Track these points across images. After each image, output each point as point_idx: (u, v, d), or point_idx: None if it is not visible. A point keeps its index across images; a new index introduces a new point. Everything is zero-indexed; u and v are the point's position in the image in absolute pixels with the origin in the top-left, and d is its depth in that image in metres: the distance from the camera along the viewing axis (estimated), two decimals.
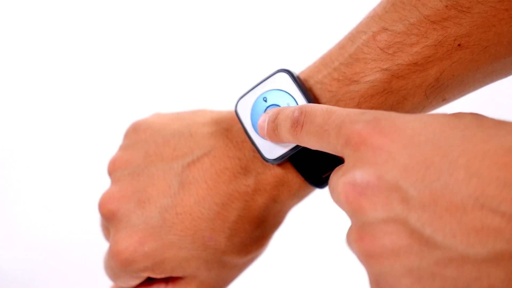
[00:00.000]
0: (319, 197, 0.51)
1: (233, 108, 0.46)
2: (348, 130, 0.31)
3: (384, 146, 0.30)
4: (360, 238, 0.30)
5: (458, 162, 0.28)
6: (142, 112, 0.53)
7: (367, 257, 0.30)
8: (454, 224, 0.27)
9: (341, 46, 0.42)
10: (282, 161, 0.42)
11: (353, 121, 0.31)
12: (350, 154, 0.31)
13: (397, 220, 0.29)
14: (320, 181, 0.43)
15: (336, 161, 0.42)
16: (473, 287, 0.28)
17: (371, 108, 0.40)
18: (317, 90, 0.41)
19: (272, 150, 0.41)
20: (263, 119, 0.40)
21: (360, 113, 0.32)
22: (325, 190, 0.45)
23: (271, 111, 0.40)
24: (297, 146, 0.41)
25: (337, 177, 0.32)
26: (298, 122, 0.35)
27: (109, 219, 0.44)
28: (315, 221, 0.83)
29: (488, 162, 0.27)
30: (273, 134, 0.39)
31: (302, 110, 0.35)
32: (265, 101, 0.42)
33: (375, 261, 0.29)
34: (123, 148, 0.46)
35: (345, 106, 0.40)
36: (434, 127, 0.30)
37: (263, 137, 0.41)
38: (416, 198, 0.28)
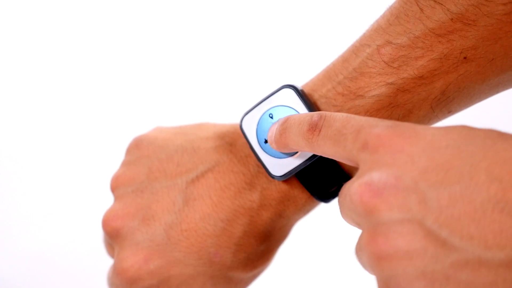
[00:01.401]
0: (323, 211, 0.50)
1: (235, 121, 0.45)
2: (366, 134, 0.31)
3: (403, 148, 0.29)
4: (372, 240, 0.29)
5: (479, 166, 0.28)
6: (144, 124, 0.52)
7: (379, 259, 0.29)
8: (473, 227, 0.27)
9: (344, 59, 0.41)
10: (288, 177, 0.41)
11: (372, 125, 0.31)
12: (367, 157, 0.30)
13: (412, 222, 0.28)
14: (326, 195, 0.42)
15: (342, 175, 0.41)
16: None
17: None
18: (322, 105, 0.41)
19: (279, 167, 0.41)
20: (274, 127, 0.39)
21: (379, 120, 0.32)
22: (329, 204, 0.45)
23: (280, 119, 0.39)
24: (304, 163, 0.40)
25: (351, 183, 0.31)
26: (317, 126, 0.35)
27: (113, 236, 0.44)
28: (320, 235, 0.83)
29: (509, 168, 0.27)
30: (279, 139, 0.38)
31: (321, 115, 0.35)
32: (271, 117, 0.41)
33: (387, 263, 0.29)
34: (126, 164, 0.46)
35: None
36: (454, 135, 0.29)
37: (270, 149, 0.41)
38: (434, 200, 0.28)
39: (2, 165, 0.88)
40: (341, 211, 0.32)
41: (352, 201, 0.30)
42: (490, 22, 0.37)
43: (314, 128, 0.35)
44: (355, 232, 0.31)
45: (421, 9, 0.38)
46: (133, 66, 0.96)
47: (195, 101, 0.94)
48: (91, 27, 0.97)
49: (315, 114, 0.35)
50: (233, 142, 0.44)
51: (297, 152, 0.40)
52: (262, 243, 0.44)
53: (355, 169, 0.42)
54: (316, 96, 0.41)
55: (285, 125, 0.38)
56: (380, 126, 0.31)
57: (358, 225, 0.31)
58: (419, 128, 0.30)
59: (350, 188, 0.30)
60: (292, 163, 0.41)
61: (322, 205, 0.45)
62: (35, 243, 0.82)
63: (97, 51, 0.96)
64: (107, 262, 0.48)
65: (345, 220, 0.33)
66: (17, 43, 0.94)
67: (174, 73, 0.96)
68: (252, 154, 0.43)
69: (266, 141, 0.41)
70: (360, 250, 0.30)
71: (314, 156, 0.40)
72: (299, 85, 0.42)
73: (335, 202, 0.45)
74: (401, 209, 0.28)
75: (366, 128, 0.31)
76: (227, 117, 0.51)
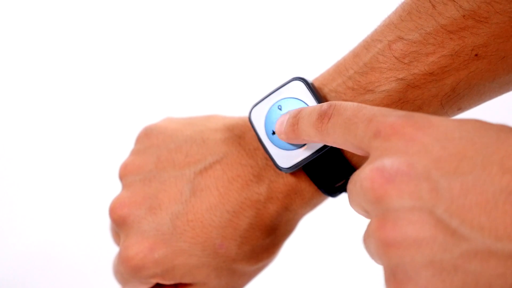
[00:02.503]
0: (330, 206, 0.50)
1: (245, 114, 0.45)
2: (379, 122, 0.31)
3: (417, 137, 0.29)
4: (381, 226, 0.29)
5: (493, 158, 0.28)
6: (154, 115, 0.52)
7: (387, 246, 0.29)
8: (484, 217, 0.27)
9: (355, 54, 0.41)
10: (295, 170, 0.41)
11: (385, 115, 0.31)
12: (379, 145, 0.30)
13: (423, 210, 0.28)
14: (333, 190, 0.42)
15: (350, 169, 0.41)
16: (495, 285, 0.27)
17: None
18: (332, 99, 0.41)
19: (286, 159, 0.41)
20: (283, 118, 0.39)
21: (392, 110, 0.32)
22: (336, 199, 0.45)
23: (292, 110, 0.39)
24: (312, 155, 0.41)
25: (362, 169, 0.31)
26: (326, 113, 0.34)
27: (120, 224, 0.44)
28: (325, 230, 0.83)
29: None
30: (291, 130, 0.38)
31: (331, 104, 0.35)
32: (280, 109, 0.41)
33: (395, 250, 0.28)
34: (135, 153, 0.46)
35: None
36: (468, 126, 0.29)
37: (277, 141, 0.41)
38: (446, 189, 0.28)
39: (7, 153, 0.89)
40: (349, 198, 0.32)
41: (363, 187, 0.30)
42: (502, 20, 0.37)
43: (323, 116, 0.35)
44: (360, 228, 0.31)
45: (433, 6, 0.38)
46: (144, 58, 0.97)
47: (206, 93, 0.94)
48: (97, 22, 0.98)
49: (325, 103, 0.35)
50: (242, 135, 0.44)
51: (305, 144, 0.41)
52: (267, 236, 0.44)
53: (363, 163, 0.42)
54: (326, 90, 0.42)
55: (298, 116, 0.38)
56: (393, 116, 0.31)
57: (367, 213, 0.31)
58: (433, 118, 0.30)
59: (361, 174, 0.30)
60: (300, 155, 0.41)
61: (329, 201, 0.45)
62: (40, 234, 0.83)
63: (107, 44, 0.97)
64: (112, 254, 0.48)
65: (353, 208, 0.32)
66: (19, 41, 0.95)
67: (185, 66, 0.96)
68: (261, 147, 0.43)
69: (274, 133, 0.41)
70: (368, 237, 0.30)
71: (322, 148, 0.40)
72: (309, 79, 0.42)
73: (341, 197, 0.45)
74: (412, 197, 0.28)
75: (379, 116, 0.31)
76: (237, 110, 0.51)
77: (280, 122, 0.40)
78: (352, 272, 0.80)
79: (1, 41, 0.95)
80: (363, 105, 0.33)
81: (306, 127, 0.36)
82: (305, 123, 0.36)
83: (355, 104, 0.33)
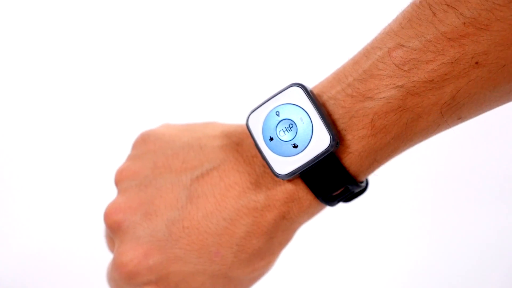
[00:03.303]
0: (327, 216, 0.50)
1: (244, 122, 0.45)
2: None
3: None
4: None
5: None
6: (151, 121, 0.52)
7: None
8: None
9: (355, 62, 0.41)
10: (293, 177, 0.41)
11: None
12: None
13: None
14: (331, 198, 0.42)
15: (348, 178, 0.41)
16: None
17: (386, 125, 0.39)
18: (330, 106, 0.41)
19: (284, 165, 0.41)
20: None
21: None
22: (335, 208, 0.44)
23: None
24: (309, 162, 0.40)
25: None
26: None
27: (115, 230, 0.43)
28: (321, 237, 0.82)
29: None
30: None
31: None
32: (278, 115, 0.41)
33: None
34: (131, 158, 0.46)
35: (359, 123, 0.40)
36: None
37: (275, 147, 0.40)
38: None
39: (4, 156, 0.88)
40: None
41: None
42: (503, 27, 0.36)
43: None
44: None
45: (434, 13, 0.38)
46: (142, 63, 0.96)
47: (204, 99, 0.94)
48: (96, 26, 0.98)
49: None
50: (240, 142, 0.44)
51: (303, 150, 0.40)
52: (264, 245, 0.43)
53: (361, 172, 0.41)
54: (324, 98, 0.41)
55: None
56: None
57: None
58: None
59: None
60: (298, 161, 0.40)
61: (327, 210, 0.44)
62: (31, 238, 0.82)
63: (105, 48, 0.97)
64: (107, 259, 0.47)
65: None
66: (20, 41, 0.95)
67: (184, 71, 0.96)
68: (259, 155, 0.43)
69: (271, 139, 0.41)
70: None
71: (320, 155, 0.40)
72: (308, 86, 0.42)
73: (340, 206, 0.44)
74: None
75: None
76: (235, 116, 0.51)
77: None
78: (348, 276, 0.79)
79: None
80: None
81: None
82: None
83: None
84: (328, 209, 0.44)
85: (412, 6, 0.39)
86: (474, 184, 0.87)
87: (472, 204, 0.87)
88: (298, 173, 0.41)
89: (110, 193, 0.46)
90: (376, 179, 0.44)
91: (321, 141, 0.40)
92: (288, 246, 0.45)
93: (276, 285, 0.74)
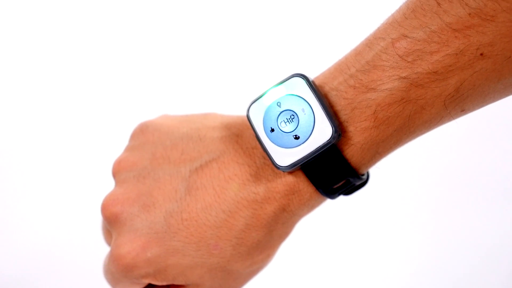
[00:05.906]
0: (327, 209, 0.49)
1: (243, 113, 0.44)
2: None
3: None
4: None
5: None
6: (150, 112, 0.51)
7: None
8: None
9: (357, 52, 0.40)
10: (294, 169, 0.40)
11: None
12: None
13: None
14: (332, 191, 0.41)
15: (349, 170, 0.40)
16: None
17: (388, 117, 0.39)
18: (332, 97, 0.40)
19: (285, 157, 0.40)
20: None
21: None
22: (336, 201, 0.44)
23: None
24: (311, 153, 0.40)
25: None
26: None
27: (112, 222, 0.43)
28: (321, 230, 0.82)
29: None
30: None
31: None
32: (279, 106, 0.40)
33: None
34: (129, 149, 0.45)
35: (361, 114, 0.39)
36: None
37: (276, 138, 0.40)
38: None
39: (3, 153, 0.88)
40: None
41: None
42: (509, 18, 0.36)
43: None
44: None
45: (439, 3, 0.37)
46: (141, 55, 0.96)
47: (204, 90, 0.94)
48: (95, 19, 0.97)
49: None
50: (240, 133, 0.43)
51: (304, 142, 0.40)
52: (263, 238, 0.43)
53: (363, 165, 0.41)
54: (327, 89, 0.41)
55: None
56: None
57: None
58: None
59: None
60: (299, 153, 0.40)
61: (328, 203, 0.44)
62: (28, 232, 0.82)
63: (104, 41, 0.96)
64: (104, 252, 0.47)
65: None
66: (19, 40, 0.95)
67: (183, 63, 0.96)
68: (259, 146, 0.42)
69: (272, 130, 0.40)
70: None
71: (322, 147, 0.39)
72: (310, 76, 0.41)
73: (341, 199, 0.44)
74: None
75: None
76: (236, 107, 0.50)
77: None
78: (349, 272, 0.79)
79: None
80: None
81: None
82: None
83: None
84: (328, 203, 0.44)
85: None
86: (477, 182, 0.87)
87: (474, 202, 0.86)
88: (299, 165, 0.40)
89: (108, 184, 0.46)
90: (379, 178, 0.44)
91: (323, 132, 0.39)
92: (287, 240, 0.45)
93: (274, 280, 0.73)
